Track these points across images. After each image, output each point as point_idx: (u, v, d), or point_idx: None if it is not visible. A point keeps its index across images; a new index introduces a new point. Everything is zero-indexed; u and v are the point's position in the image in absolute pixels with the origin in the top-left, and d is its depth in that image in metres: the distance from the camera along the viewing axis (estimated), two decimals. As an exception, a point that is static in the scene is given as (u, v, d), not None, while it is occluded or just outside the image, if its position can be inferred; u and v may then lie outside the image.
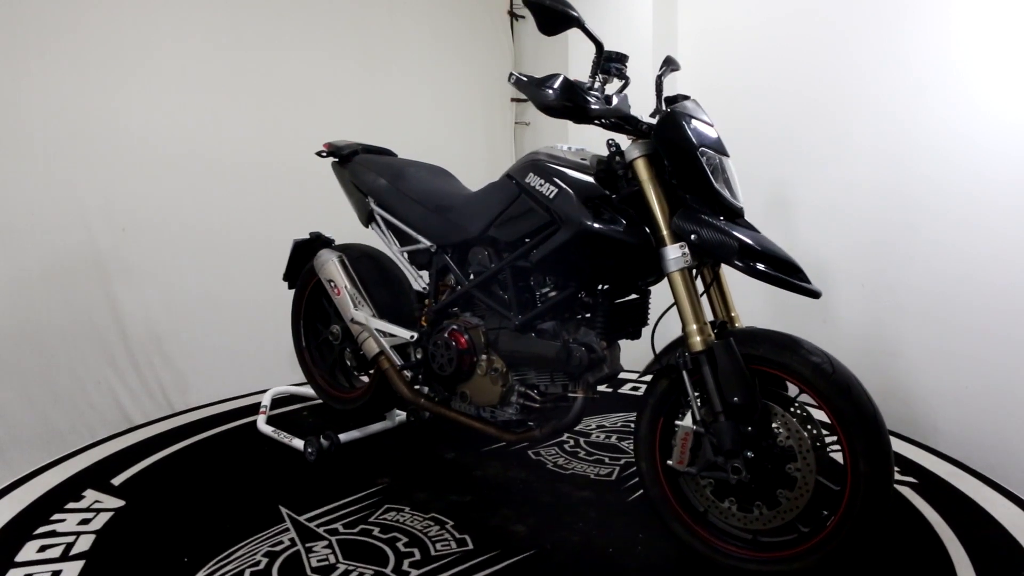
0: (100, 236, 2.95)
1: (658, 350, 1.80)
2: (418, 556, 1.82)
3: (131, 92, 2.98)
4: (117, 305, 3.02)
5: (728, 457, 1.61)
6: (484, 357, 2.03)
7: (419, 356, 2.19)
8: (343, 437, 2.47)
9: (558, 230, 1.79)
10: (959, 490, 2.16)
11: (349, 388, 2.67)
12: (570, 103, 1.64)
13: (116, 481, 2.25)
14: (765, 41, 3.18)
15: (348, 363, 2.62)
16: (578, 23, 1.60)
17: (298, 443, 2.49)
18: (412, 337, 2.20)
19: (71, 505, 2.08)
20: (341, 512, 2.06)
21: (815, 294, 1.59)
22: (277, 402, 3.00)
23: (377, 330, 2.26)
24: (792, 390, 1.68)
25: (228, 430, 2.75)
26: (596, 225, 1.70)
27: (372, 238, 2.65)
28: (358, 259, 2.46)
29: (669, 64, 1.99)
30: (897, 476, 2.12)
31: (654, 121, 1.73)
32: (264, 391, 3.03)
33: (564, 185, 1.76)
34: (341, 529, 1.96)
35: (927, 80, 2.59)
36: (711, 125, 1.71)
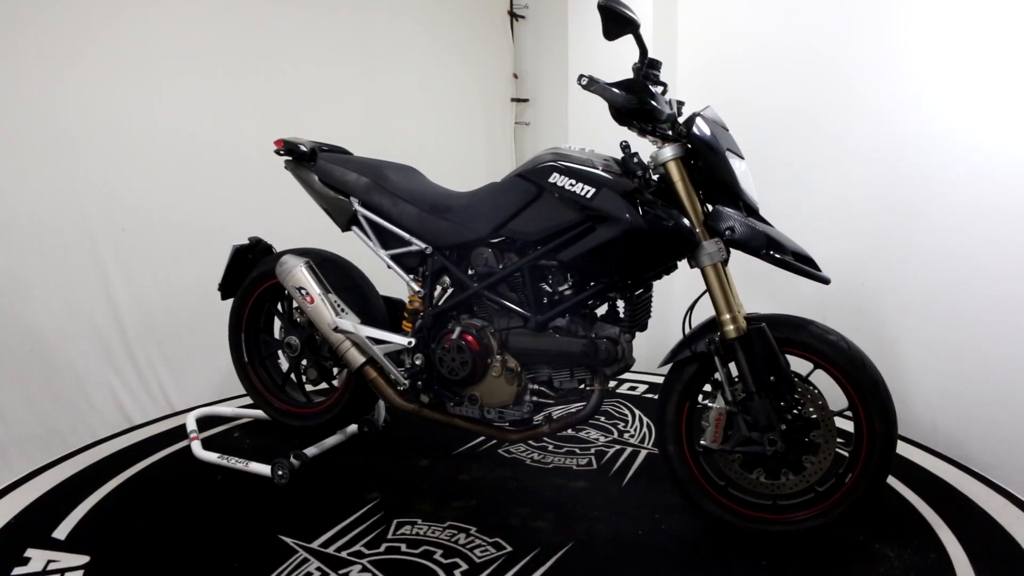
0: (100, 236, 2.90)
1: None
2: (465, 566, 1.77)
3: (131, 92, 2.92)
4: (117, 305, 2.96)
5: (764, 432, 1.77)
6: (498, 358, 2.02)
7: (418, 362, 2.10)
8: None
9: (593, 229, 1.83)
10: (959, 490, 2.16)
11: (307, 403, 2.48)
12: (647, 106, 1.70)
13: (59, 534, 1.91)
14: (764, 41, 3.17)
15: (305, 376, 2.44)
16: (635, 28, 1.66)
17: (256, 467, 2.27)
18: (409, 343, 2.11)
19: (19, 571, 1.73)
20: (351, 534, 1.93)
21: (826, 280, 1.80)
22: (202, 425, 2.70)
23: (368, 338, 2.13)
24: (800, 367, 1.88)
25: (160, 460, 2.42)
26: (647, 221, 1.76)
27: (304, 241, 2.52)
28: (321, 264, 2.29)
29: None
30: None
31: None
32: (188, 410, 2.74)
33: (602, 184, 1.80)
34: (366, 551, 1.84)
35: (927, 79, 2.60)
36: (727, 129, 1.86)
